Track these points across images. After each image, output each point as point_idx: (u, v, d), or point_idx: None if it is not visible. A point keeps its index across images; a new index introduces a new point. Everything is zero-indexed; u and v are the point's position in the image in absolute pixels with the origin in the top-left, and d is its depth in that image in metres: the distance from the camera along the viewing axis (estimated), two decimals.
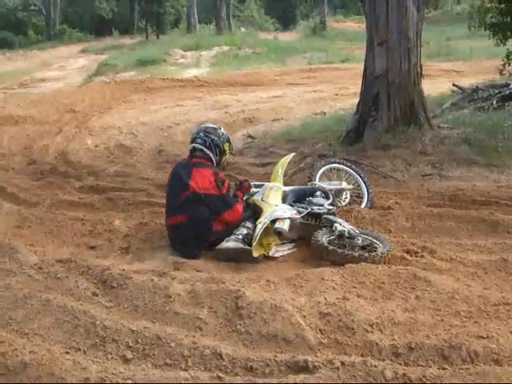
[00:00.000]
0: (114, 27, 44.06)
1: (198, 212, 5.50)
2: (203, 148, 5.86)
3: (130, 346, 3.68)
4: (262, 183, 6.32)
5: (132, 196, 7.51)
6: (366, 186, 6.78)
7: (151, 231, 6.10)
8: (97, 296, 4.36)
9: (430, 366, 3.43)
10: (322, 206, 5.80)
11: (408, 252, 5.25)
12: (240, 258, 5.20)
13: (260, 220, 5.38)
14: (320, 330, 3.83)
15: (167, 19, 42.25)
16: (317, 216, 5.68)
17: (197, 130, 6.17)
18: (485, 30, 11.45)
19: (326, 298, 4.14)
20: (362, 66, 9.57)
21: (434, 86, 12.96)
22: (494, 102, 10.59)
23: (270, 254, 5.32)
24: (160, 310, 4.11)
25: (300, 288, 4.40)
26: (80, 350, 3.70)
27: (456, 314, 4.03)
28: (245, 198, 5.98)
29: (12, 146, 11.15)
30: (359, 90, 9.52)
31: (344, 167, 6.98)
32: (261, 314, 3.92)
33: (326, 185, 6.39)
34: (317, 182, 6.46)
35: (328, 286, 4.40)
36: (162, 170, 9.28)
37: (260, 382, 3.33)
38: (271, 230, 5.33)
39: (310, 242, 5.27)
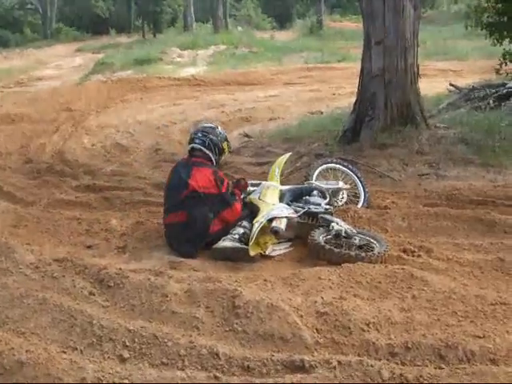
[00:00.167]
0: (110, 26, 43.97)
1: (197, 211, 5.50)
2: (202, 148, 5.88)
3: (127, 346, 3.68)
4: (259, 182, 6.32)
5: (129, 195, 7.51)
6: (363, 186, 6.78)
7: (148, 230, 6.09)
8: (93, 295, 4.36)
9: (427, 366, 3.44)
10: (319, 205, 5.80)
11: (405, 251, 5.26)
12: (237, 257, 5.20)
13: (257, 219, 5.38)
14: (317, 329, 3.83)
15: (164, 18, 42.16)
16: (314, 215, 5.67)
17: (194, 130, 6.18)
18: (481, 29, 11.45)
19: (322, 298, 4.14)
20: (358, 66, 9.56)
21: (431, 85, 12.97)
22: (491, 101, 10.58)
23: (267, 252, 5.32)
24: (157, 309, 4.11)
25: (297, 287, 4.40)
26: (77, 349, 3.70)
27: (452, 314, 4.03)
28: (242, 197, 5.98)
29: (8, 145, 11.12)
30: (356, 90, 9.51)
31: (341, 167, 6.98)
32: (257, 313, 3.92)
33: (323, 184, 6.39)
34: (314, 182, 6.46)
35: (325, 286, 4.40)
36: (158, 168, 9.29)
37: (257, 381, 3.33)
38: (268, 229, 5.33)
39: (306, 241, 5.28)
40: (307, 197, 6.01)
